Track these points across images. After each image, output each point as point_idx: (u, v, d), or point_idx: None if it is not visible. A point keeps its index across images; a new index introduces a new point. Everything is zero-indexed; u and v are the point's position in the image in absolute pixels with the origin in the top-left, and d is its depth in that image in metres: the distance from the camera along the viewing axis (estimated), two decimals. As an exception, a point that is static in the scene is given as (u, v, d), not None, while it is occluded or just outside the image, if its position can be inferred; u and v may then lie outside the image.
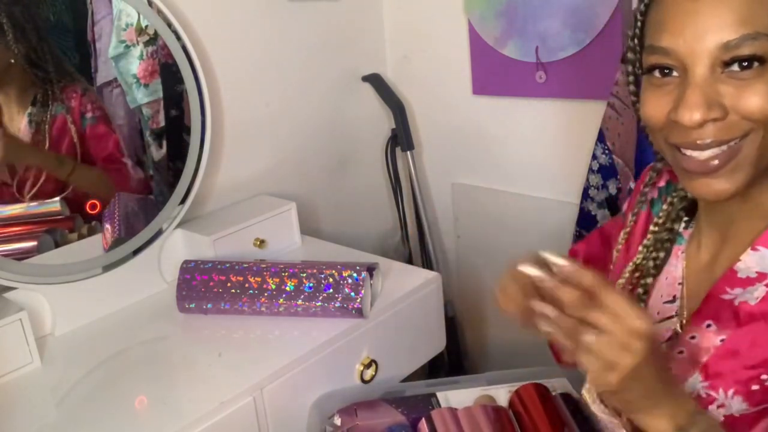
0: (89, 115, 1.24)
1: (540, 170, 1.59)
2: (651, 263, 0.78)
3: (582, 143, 1.46)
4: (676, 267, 0.77)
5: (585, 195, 1.43)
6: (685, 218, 0.80)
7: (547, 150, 1.56)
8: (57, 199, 1.21)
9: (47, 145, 1.19)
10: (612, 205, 1.38)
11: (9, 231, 1.18)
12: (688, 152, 0.65)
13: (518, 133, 1.60)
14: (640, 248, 0.80)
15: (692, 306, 0.74)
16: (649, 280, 0.79)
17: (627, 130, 1.31)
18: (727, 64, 0.61)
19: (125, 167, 1.33)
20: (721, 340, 0.67)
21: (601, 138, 1.36)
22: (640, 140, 1.28)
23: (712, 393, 0.67)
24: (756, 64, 0.60)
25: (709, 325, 0.69)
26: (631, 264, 0.80)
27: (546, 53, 1.44)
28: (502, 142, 1.65)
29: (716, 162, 0.64)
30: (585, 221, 1.44)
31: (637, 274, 0.80)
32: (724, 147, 0.63)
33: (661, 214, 0.81)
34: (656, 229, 0.80)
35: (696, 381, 0.68)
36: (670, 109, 0.64)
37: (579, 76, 1.41)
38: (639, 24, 0.69)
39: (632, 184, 1.30)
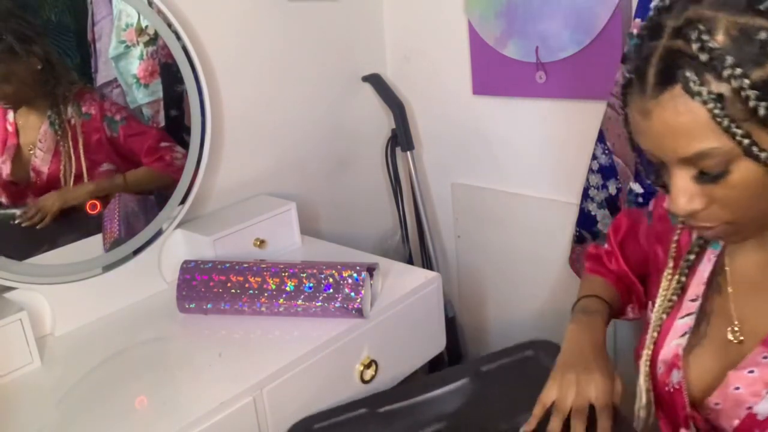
0: (117, 117, 1.24)
1: (540, 170, 1.59)
2: (684, 263, 0.81)
3: (582, 143, 1.46)
4: (705, 269, 0.79)
5: (585, 195, 1.43)
6: None
7: (547, 150, 1.56)
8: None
9: (80, 150, 1.20)
10: (612, 205, 1.38)
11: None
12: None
13: (518, 133, 1.60)
14: (684, 260, 0.82)
15: (745, 310, 0.74)
16: (683, 278, 0.81)
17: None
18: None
19: (170, 152, 1.33)
20: None
21: (601, 138, 1.36)
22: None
23: None
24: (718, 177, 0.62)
25: None
26: (667, 270, 0.83)
27: (546, 53, 1.44)
28: (502, 142, 1.65)
29: (713, 234, 0.68)
30: (585, 221, 1.44)
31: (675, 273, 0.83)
32: (718, 226, 0.66)
33: None
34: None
35: None
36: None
37: (579, 76, 1.41)
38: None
39: (632, 185, 1.30)
